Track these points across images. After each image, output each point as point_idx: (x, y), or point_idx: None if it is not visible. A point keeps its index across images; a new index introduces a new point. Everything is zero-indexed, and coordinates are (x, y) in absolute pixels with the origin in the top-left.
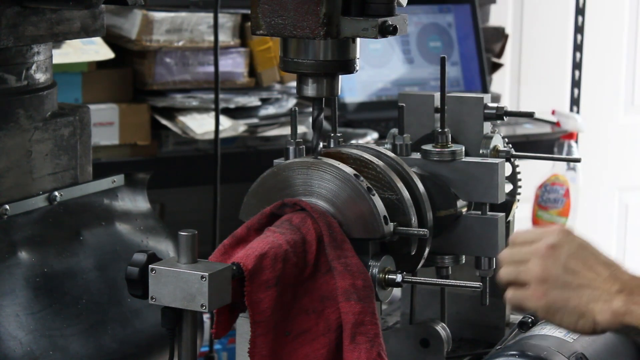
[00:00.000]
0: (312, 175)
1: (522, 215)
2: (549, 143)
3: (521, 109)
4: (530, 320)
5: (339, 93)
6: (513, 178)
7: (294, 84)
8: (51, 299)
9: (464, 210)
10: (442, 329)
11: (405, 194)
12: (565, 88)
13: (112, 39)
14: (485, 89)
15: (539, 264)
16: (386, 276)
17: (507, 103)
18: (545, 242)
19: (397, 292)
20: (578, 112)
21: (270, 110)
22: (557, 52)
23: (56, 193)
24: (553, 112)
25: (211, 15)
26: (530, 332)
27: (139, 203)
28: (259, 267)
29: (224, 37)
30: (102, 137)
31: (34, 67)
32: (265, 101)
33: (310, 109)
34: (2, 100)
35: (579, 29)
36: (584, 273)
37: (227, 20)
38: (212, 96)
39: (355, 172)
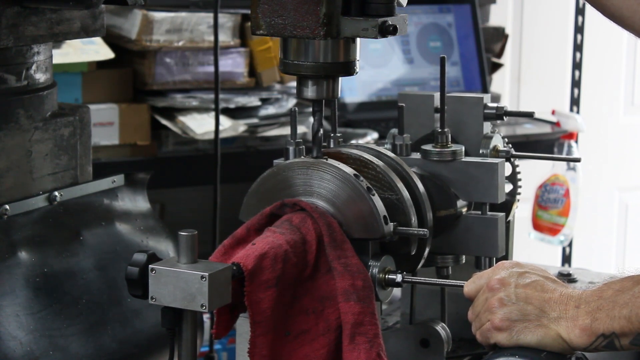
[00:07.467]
0: (312, 175)
1: (522, 215)
2: (549, 143)
3: (521, 109)
4: None
5: (339, 95)
6: (513, 178)
7: (294, 84)
8: (51, 299)
9: (464, 210)
10: (442, 329)
11: (405, 194)
12: (565, 88)
13: (112, 39)
14: (485, 89)
15: (493, 298)
16: (386, 276)
17: (507, 103)
18: (494, 277)
19: (397, 292)
20: (578, 112)
21: (270, 110)
22: (557, 52)
23: (56, 193)
24: (553, 112)
25: (211, 15)
26: None
27: (139, 203)
28: (259, 267)
29: (224, 37)
30: (102, 137)
31: (34, 67)
32: (265, 101)
33: (311, 109)
34: (2, 100)
35: (579, 29)
36: (536, 297)
37: (227, 20)
38: (212, 96)
39: (355, 172)
